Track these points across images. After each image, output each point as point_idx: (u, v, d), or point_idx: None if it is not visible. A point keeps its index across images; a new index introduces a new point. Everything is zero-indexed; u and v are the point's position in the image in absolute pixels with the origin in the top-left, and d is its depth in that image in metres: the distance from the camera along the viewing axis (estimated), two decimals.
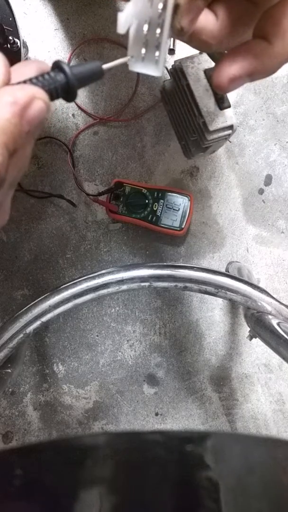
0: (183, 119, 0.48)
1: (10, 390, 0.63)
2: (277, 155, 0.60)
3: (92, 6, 0.58)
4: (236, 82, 0.26)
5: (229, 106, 0.42)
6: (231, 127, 0.43)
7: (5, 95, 0.20)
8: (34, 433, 0.63)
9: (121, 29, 0.24)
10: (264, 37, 0.25)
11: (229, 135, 0.44)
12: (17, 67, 0.23)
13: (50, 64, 0.23)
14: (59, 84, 0.22)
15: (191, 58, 0.42)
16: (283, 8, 0.24)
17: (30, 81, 0.21)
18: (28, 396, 0.63)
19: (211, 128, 0.42)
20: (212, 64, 0.41)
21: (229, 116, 0.42)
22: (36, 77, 0.21)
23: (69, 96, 0.23)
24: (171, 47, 0.57)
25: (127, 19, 0.24)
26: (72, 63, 0.49)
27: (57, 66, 0.22)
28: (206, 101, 0.42)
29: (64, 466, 0.20)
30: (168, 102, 0.52)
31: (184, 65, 0.42)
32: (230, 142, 0.60)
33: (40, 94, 0.21)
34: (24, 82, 0.21)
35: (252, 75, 0.26)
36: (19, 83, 0.21)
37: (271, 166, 0.61)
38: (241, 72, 0.25)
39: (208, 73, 0.41)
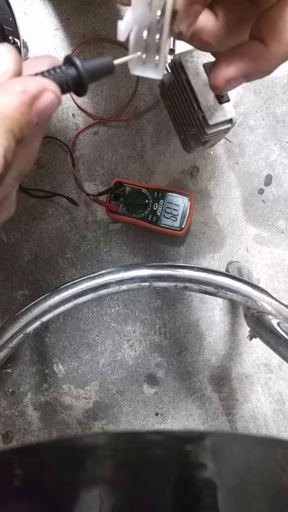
0: (182, 113, 0.48)
1: (10, 390, 0.63)
2: (277, 155, 0.60)
3: (92, 6, 0.58)
4: (232, 83, 0.26)
5: (228, 100, 0.42)
6: (230, 120, 0.43)
7: (15, 84, 0.20)
8: (34, 433, 0.63)
9: (121, 36, 0.24)
10: (260, 39, 0.25)
11: (229, 128, 0.44)
12: (29, 61, 0.23)
13: (61, 59, 0.23)
14: (71, 78, 0.22)
15: (190, 52, 0.42)
16: (279, 10, 0.24)
17: (41, 74, 0.21)
18: (28, 396, 0.63)
19: (211, 122, 0.42)
20: (211, 58, 0.41)
21: (228, 110, 0.42)
22: (48, 71, 0.22)
23: (80, 90, 0.23)
24: (171, 47, 0.57)
25: (127, 26, 0.24)
26: None
27: (68, 60, 0.22)
28: (205, 95, 0.42)
29: (64, 466, 0.20)
30: (167, 97, 0.52)
31: (184, 59, 0.42)
32: (230, 142, 0.60)
33: (51, 86, 0.21)
34: (36, 74, 0.21)
35: (248, 76, 0.26)
36: (30, 75, 0.21)
37: (271, 166, 0.61)
38: (238, 73, 0.26)
39: (208, 67, 0.41)
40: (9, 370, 0.45)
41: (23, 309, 0.40)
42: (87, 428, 0.63)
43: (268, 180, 0.61)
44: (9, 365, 0.45)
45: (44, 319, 0.40)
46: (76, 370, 0.62)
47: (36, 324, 0.40)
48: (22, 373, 0.62)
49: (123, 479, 0.20)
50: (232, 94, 0.60)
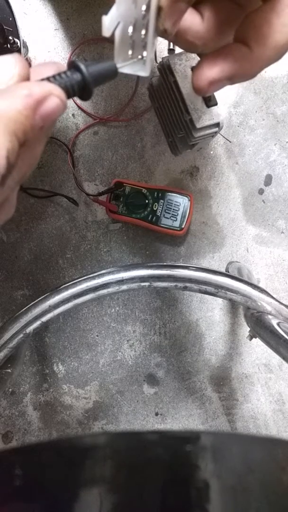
0: (170, 116, 0.48)
1: (10, 390, 0.63)
2: (277, 155, 0.60)
3: (92, 6, 0.58)
4: (215, 85, 0.26)
5: (216, 104, 0.42)
6: (217, 124, 0.43)
7: (21, 88, 0.20)
8: (34, 433, 0.63)
9: (106, 32, 0.23)
10: (244, 42, 0.25)
11: (216, 132, 0.44)
12: (36, 67, 0.23)
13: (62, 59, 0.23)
14: (76, 83, 0.22)
15: (179, 55, 0.42)
16: (264, 14, 0.24)
17: (47, 79, 0.22)
18: (28, 396, 0.63)
19: (198, 125, 0.42)
20: None
21: (216, 113, 0.42)
22: (53, 76, 0.22)
23: (85, 94, 0.23)
24: (171, 47, 0.57)
25: (111, 21, 0.24)
26: None
27: (73, 65, 0.22)
28: (193, 99, 0.42)
29: (64, 466, 0.20)
30: (155, 99, 0.52)
31: (172, 62, 0.42)
32: (230, 142, 0.60)
33: (56, 91, 0.21)
34: (41, 80, 0.22)
35: (232, 79, 0.26)
36: (36, 81, 0.22)
37: (271, 166, 0.61)
38: (221, 75, 0.26)
39: None
40: (9, 370, 0.45)
41: (23, 309, 0.40)
42: (87, 428, 0.63)
43: (268, 180, 0.61)
44: (9, 365, 0.45)
45: (44, 319, 0.40)
46: (76, 370, 0.62)
47: (36, 324, 0.40)
48: (22, 373, 0.62)
49: (123, 479, 0.20)
50: (232, 94, 0.60)
